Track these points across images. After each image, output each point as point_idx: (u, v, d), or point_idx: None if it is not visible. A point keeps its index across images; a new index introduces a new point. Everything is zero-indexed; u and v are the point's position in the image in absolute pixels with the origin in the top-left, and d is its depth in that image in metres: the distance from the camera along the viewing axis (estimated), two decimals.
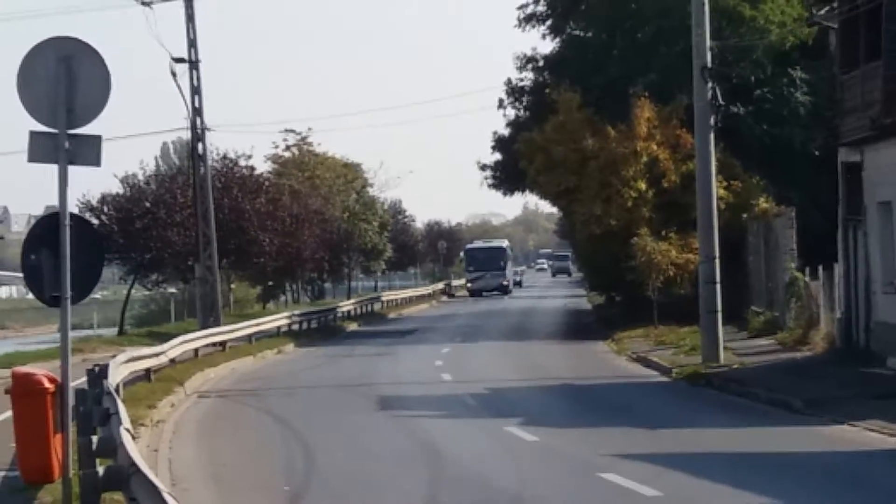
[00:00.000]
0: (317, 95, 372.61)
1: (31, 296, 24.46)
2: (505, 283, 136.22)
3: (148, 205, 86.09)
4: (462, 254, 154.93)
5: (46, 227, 19.24)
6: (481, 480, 24.75)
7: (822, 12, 52.78)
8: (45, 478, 21.98)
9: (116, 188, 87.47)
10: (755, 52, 62.53)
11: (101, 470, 17.66)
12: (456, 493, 23.40)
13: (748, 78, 62.54)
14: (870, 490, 22.50)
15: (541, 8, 74.86)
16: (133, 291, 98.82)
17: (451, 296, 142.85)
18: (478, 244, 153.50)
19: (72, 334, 19.73)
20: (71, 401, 20.15)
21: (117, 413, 21.06)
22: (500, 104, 79.74)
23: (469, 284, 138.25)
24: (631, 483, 23.10)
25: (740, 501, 21.63)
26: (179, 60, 65.68)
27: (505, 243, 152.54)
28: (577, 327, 76.85)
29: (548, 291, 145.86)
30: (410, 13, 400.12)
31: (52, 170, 18.13)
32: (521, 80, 78.94)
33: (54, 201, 18.52)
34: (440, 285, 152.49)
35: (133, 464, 16.39)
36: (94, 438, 20.17)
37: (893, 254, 42.26)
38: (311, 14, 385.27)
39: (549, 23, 75.09)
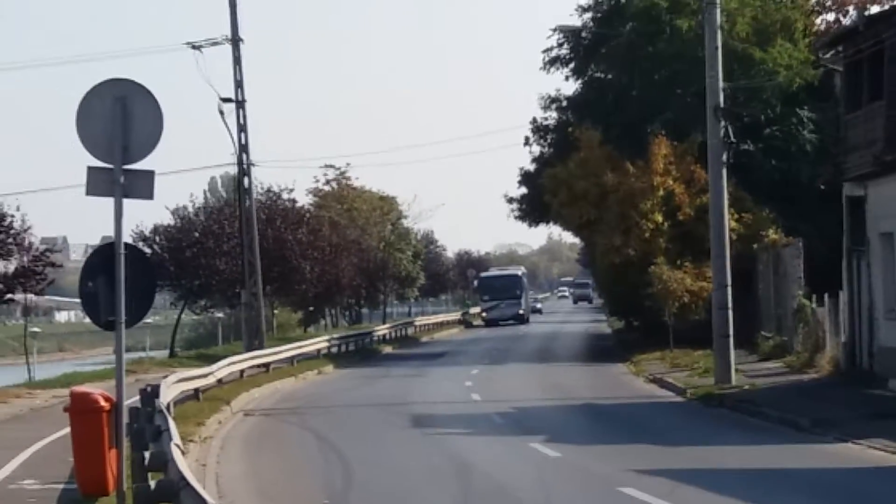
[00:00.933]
0: (355, 133, 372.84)
1: (87, 320, 24.47)
2: (521, 312, 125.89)
3: (197, 235, 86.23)
4: (476, 282, 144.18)
5: (103, 256, 19.26)
6: (508, 494, 24.73)
7: (828, 56, 52.80)
8: (101, 490, 22.00)
9: (168, 219, 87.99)
10: (765, 93, 62.52)
11: (152, 484, 17.67)
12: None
13: (758, 117, 62.48)
14: (872, 501, 22.49)
15: (564, 52, 75.04)
16: (183, 316, 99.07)
17: (469, 325, 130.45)
18: (492, 272, 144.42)
19: (126, 356, 19.79)
20: (125, 418, 20.17)
21: (168, 430, 21.06)
22: (527, 141, 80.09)
23: (484, 314, 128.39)
24: (648, 497, 23.08)
25: None
26: (227, 100, 65.72)
27: (520, 271, 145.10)
28: (598, 350, 76.69)
29: (570, 317, 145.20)
30: (442, 56, 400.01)
31: (108, 202, 18.16)
32: (546, 119, 79.23)
33: (110, 232, 18.53)
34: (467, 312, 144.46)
35: (183, 478, 16.40)
36: (147, 454, 20.21)
37: (895, 282, 42.27)
38: (349, 57, 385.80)
39: (571, 66, 75.26)
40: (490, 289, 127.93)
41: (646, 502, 22.68)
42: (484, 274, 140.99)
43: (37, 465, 29.19)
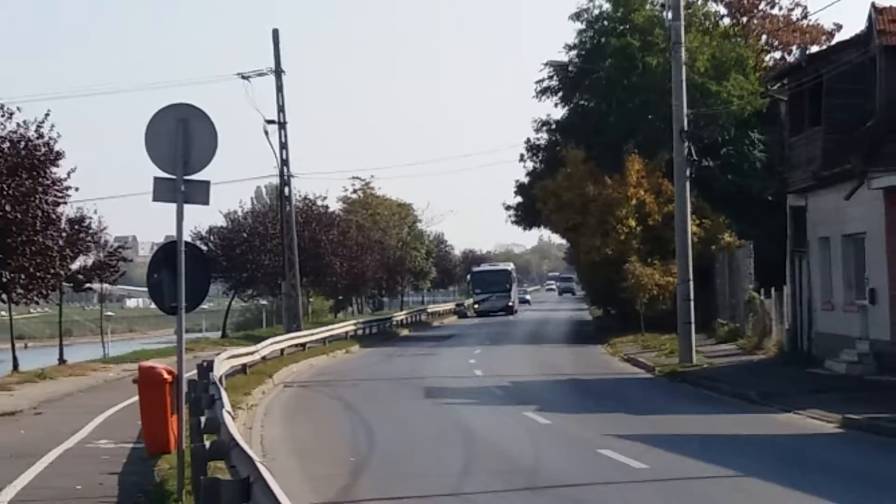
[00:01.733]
0: (378, 150, 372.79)
1: (153, 306, 24.28)
2: (510, 304, 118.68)
3: (245, 235, 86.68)
4: (468, 276, 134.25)
5: (166, 252, 19.25)
6: (505, 454, 24.65)
7: (775, 87, 52.84)
8: (164, 449, 21.95)
9: (221, 222, 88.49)
10: (721, 119, 62.44)
11: (207, 444, 17.63)
12: (485, 464, 23.29)
13: (716, 139, 62.41)
14: (809, 465, 22.45)
15: (553, 83, 75.01)
16: (233, 303, 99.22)
17: (464, 315, 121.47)
18: (484, 267, 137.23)
19: (185, 336, 19.72)
20: (184, 389, 20.13)
21: (220, 399, 21.01)
22: (522, 158, 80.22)
23: (476, 306, 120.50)
24: (624, 458, 23.03)
25: (709, 473, 21.54)
26: (271, 122, 65.85)
27: (510, 266, 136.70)
28: (581, 334, 76.50)
29: (557, 307, 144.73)
30: (451, 88, 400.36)
31: (171, 207, 18.13)
32: (538, 139, 79.12)
33: (172, 232, 18.51)
34: (464, 303, 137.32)
35: (233, 439, 16.33)
36: (202, 419, 20.19)
37: (830, 278, 42.39)
38: (375, 87, 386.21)
39: (559, 95, 75.22)
40: (482, 282, 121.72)
41: (622, 462, 22.61)
42: (476, 269, 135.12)
43: (110, 427, 29.18)
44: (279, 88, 66.01)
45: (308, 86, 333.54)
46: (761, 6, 75.01)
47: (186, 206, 18.13)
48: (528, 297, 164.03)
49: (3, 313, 68.40)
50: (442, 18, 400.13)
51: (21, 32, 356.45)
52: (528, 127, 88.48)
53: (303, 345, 58.15)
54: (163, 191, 18.11)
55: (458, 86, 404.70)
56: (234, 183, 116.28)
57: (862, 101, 40.48)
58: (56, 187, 46.53)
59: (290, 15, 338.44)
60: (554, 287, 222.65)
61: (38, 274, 46.29)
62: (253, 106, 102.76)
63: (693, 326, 46.26)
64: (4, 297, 49.18)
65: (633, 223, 65.06)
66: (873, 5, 39.80)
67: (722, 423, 29.43)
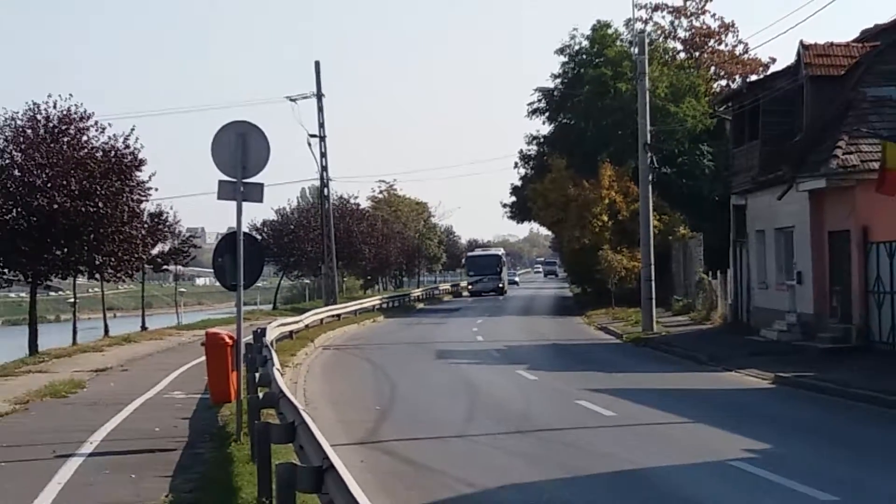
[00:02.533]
0: (400, 157, 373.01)
1: (218, 284, 24.41)
2: (500, 285, 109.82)
3: (292, 227, 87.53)
4: (464, 260, 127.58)
5: (228, 240, 19.31)
6: (501, 403, 24.74)
7: (721, 109, 52.79)
8: (225, 399, 22.05)
9: (273, 216, 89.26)
10: (677, 135, 62.28)
11: (261, 395, 17.66)
12: (485, 411, 23.39)
13: (673, 150, 62.20)
14: (747, 413, 22.49)
15: (542, 105, 75.05)
16: (282, 281, 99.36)
17: (459, 295, 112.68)
18: (478, 252, 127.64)
19: (243, 308, 19.77)
20: (242, 350, 20.21)
21: (271, 359, 21.02)
22: (515, 165, 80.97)
23: (470, 286, 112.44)
24: (596, 407, 23.11)
25: (665, 419, 21.53)
26: (313, 136, 65.88)
27: (500, 251, 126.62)
28: (562, 308, 76.44)
29: (543, 286, 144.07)
30: (460, 107, 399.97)
31: (232, 204, 18.18)
32: (529, 150, 79.36)
33: (233, 223, 18.53)
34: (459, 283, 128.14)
35: (281, 391, 16.37)
36: (257, 375, 20.22)
37: (765, 263, 42.48)
38: (400, 106, 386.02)
39: (546, 115, 75.24)
40: (475, 266, 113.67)
41: (595, 411, 22.68)
42: (470, 253, 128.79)
43: (182, 382, 29.26)
44: (320, 109, 66.08)
45: (344, 105, 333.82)
46: (710, 43, 74.83)
47: (244, 204, 18.21)
48: (516, 278, 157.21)
49: (97, 289, 68.47)
50: (454, 51, 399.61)
51: (112, 61, 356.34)
52: (522, 140, 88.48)
53: (338, 315, 58.12)
54: (225, 191, 18.18)
55: (466, 106, 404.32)
56: (284, 185, 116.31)
57: (791, 120, 40.54)
58: (139, 188, 46.56)
59: (330, 47, 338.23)
60: (540, 269, 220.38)
61: (124, 258, 46.39)
62: (298, 123, 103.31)
63: (654, 302, 46.29)
64: (98, 276, 49.39)
65: (605, 218, 65.19)
66: (801, 42, 39.82)
67: (676, 379, 29.40)
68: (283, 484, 10.51)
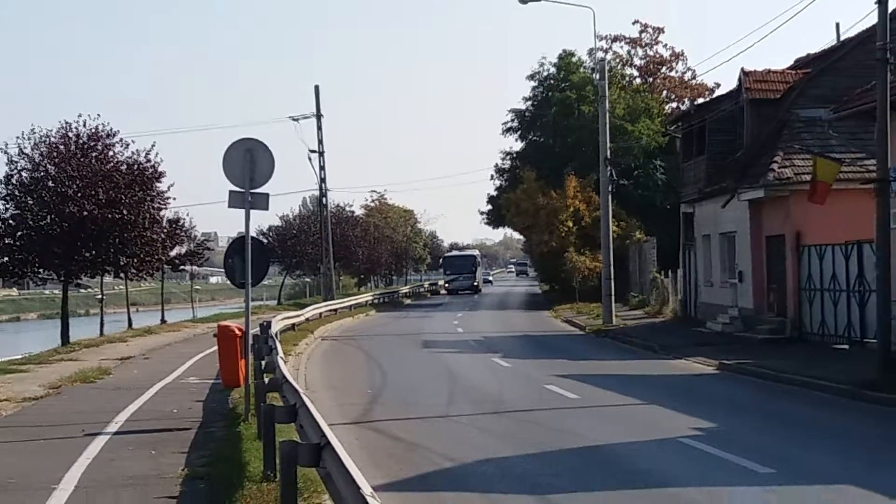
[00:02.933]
0: (390, 170, 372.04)
1: (228, 282, 24.34)
2: (475, 283, 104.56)
3: (294, 232, 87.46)
4: (441, 260, 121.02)
5: (238, 243, 19.25)
6: (478, 387, 24.69)
7: (672, 128, 52.91)
8: (235, 384, 21.94)
9: (277, 222, 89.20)
10: (634, 150, 62.49)
11: (266, 380, 17.64)
12: (464, 394, 23.35)
13: (630, 164, 62.38)
14: (695, 395, 22.53)
15: (515, 125, 75.07)
16: (285, 279, 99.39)
17: (437, 293, 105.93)
18: (454, 253, 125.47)
19: (251, 304, 19.76)
20: (250, 341, 20.17)
21: (275, 348, 21.02)
22: (491, 177, 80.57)
23: (447, 285, 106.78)
24: (562, 391, 23.10)
25: (623, 401, 21.59)
26: (313, 151, 65.67)
27: (476, 252, 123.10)
28: (532, 303, 76.41)
29: (515, 284, 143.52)
30: (444, 126, 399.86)
31: (241, 212, 18.16)
32: (503, 164, 79.15)
33: (242, 228, 18.54)
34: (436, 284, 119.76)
35: (284, 377, 16.35)
36: (262, 362, 20.20)
37: (710, 264, 42.59)
38: (387, 122, 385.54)
39: (519, 133, 75.30)
40: (451, 266, 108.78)
41: (561, 394, 22.68)
42: (447, 254, 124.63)
43: (197, 368, 29.20)
44: (319, 127, 65.97)
45: (341, 120, 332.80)
46: (662, 70, 75.13)
47: (252, 211, 18.17)
48: (490, 277, 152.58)
49: (122, 287, 68.36)
50: (440, 76, 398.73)
51: (139, 85, 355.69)
52: (497, 155, 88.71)
53: (335, 310, 57.99)
54: (235, 200, 18.15)
55: (449, 124, 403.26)
56: (287, 194, 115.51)
57: (733, 138, 40.68)
58: (159, 197, 46.54)
59: (330, 70, 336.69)
60: (513, 269, 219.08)
61: (146, 259, 46.45)
62: (300, 140, 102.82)
63: (613, 298, 46.18)
64: (122, 275, 49.37)
65: (570, 224, 65.21)
66: (742, 69, 39.94)
67: (633, 366, 29.39)
68: (285, 459, 10.52)
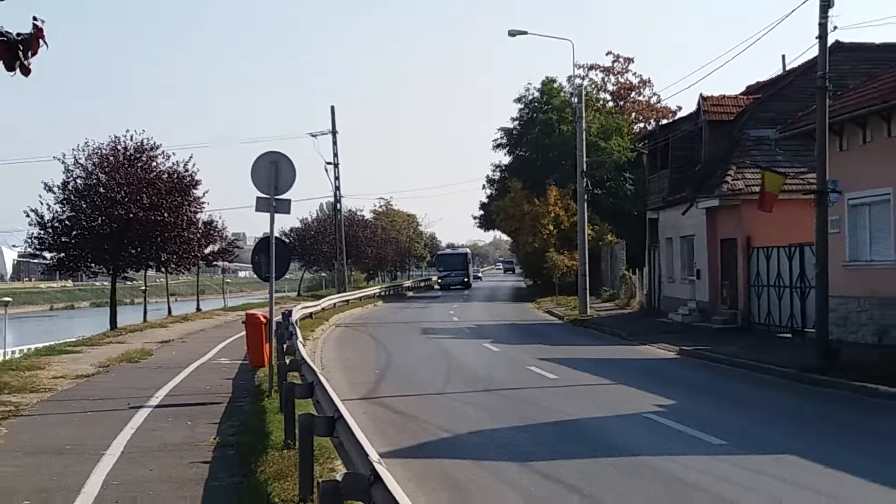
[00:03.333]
0: (396, 179, 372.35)
1: (255, 276, 24.35)
2: (466, 279, 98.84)
3: (312, 233, 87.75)
4: (435, 258, 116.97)
5: (263, 242, 19.29)
6: (470, 369, 24.65)
7: (640, 145, 53.07)
8: (260, 364, 21.99)
9: (298, 224, 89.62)
10: (607, 164, 62.43)
11: (287, 361, 17.63)
12: (458, 374, 23.32)
13: (603, 176, 62.38)
14: (658, 376, 22.50)
15: (504, 141, 75.38)
16: (304, 274, 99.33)
17: (431, 288, 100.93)
18: (447, 251, 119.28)
19: (274, 295, 19.77)
20: (274, 327, 20.17)
21: (295, 333, 20.99)
22: (483, 187, 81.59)
23: (440, 280, 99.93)
24: (543, 371, 23.14)
25: (595, 381, 21.60)
26: (329, 163, 65.78)
27: (467, 251, 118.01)
28: (518, 296, 76.34)
29: (503, 280, 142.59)
30: (445, 140, 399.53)
31: (266, 215, 18.16)
32: (494, 175, 79.61)
33: (267, 229, 18.52)
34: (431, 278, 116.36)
35: (303, 359, 16.34)
36: (284, 346, 20.16)
37: (672, 263, 42.57)
38: (394, 137, 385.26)
39: (507, 149, 75.63)
40: (444, 263, 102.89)
41: (542, 374, 22.72)
42: (440, 252, 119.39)
43: (227, 351, 29.20)
44: (334, 143, 65.89)
45: (353, 137, 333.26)
46: (632, 95, 75.09)
47: (276, 215, 18.19)
48: (479, 274, 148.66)
49: (162, 279, 68.38)
50: (441, 96, 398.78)
51: (177, 105, 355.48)
52: (489, 168, 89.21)
53: (347, 301, 57.96)
54: (261, 205, 18.15)
55: (448, 139, 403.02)
56: (306, 200, 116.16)
57: (693, 154, 40.73)
58: (196, 202, 46.53)
59: (344, 90, 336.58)
60: (501, 267, 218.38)
61: (184, 255, 46.52)
62: (318, 153, 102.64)
63: (587, 292, 46.28)
64: (163, 269, 49.38)
65: (551, 228, 65.25)
66: (701, 95, 40.00)
67: (604, 351, 29.40)
68: (304, 429, 10.52)
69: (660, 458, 13.08)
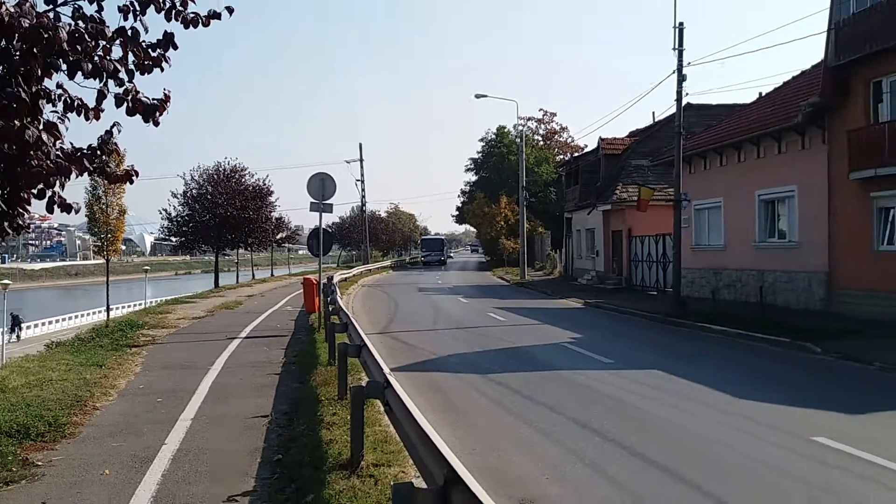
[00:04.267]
0: (402, 188, 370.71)
1: (309, 253, 24.33)
2: (443, 258, 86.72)
3: (347, 226, 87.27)
4: (420, 241, 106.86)
5: (314, 232, 19.13)
6: (450, 314, 24.48)
7: (560, 168, 52.74)
8: (313, 310, 21.89)
9: (337, 220, 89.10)
10: (539, 182, 62.23)
11: (330, 308, 17.58)
12: (442, 317, 23.18)
13: (537, 190, 62.14)
14: (570, 319, 22.42)
15: (472, 166, 74.94)
16: (342, 252, 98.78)
17: (415, 265, 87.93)
18: (429, 236, 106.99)
19: (322, 266, 19.71)
20: (321, 286, 20.10)
21: (336, 290, 20.93)
22: (459, 196, 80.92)
23: (423, 258, 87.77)
24: (496, 316, 23.08)
25: (530, 322, 21.50)
26: (358, 180, 65.28)
27: (443, 237, 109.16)
28: (481, 267, 75.68)
29: (469, 258, 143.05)
30: (433, 165, 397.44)
31: (317, 214, 18.06)
32: (465, 188, 78.83)
33: (317, 223, 18.42)
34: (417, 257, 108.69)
35: (341, 307, 16.29)
36: (328, 299, 20.10)
37: (581, 245, 42.35)
38: (405, 161, 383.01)
39: (474, 171, 74.90)
40: (427, 245, 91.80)
41: (496, 317, 22.64)
42: (424, 237, 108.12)
43: (291, 301, 29.12)
44: (361, 167, 65.35)
45: (374, 152, 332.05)
46: (555, 137, 74.92)
47: (323, 214, 18.09)
48: (451, 254, 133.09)
49: (247, 255, 68.27)
50: (431, 133, 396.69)
51: (252, 140, 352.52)
52: (462, 183, 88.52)
53: (370, 270, 57.84)
54: (313, 207, 18.01)
55: (436, 163, 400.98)
56: (342, 204, 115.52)
57: (594, 175, 40.62)
58: (270, 205, 46.48)
59: (368, 124, 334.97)
60: (468, 249, 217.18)
61: (262, 239, 46.68)
62: (350, 173, 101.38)
63: (525, 265, 46.20)
64: (249, 248, 49.31)
65: (502, 223, 65.03)
66: (600, 137, 40.03)
67: (536, 303, 29.25)
68: (341, 353, 10.52)
69: (571, 371, 13.15)
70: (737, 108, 29.80)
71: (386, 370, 8.28)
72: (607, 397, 10.96)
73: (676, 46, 22.13)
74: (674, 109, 23.02)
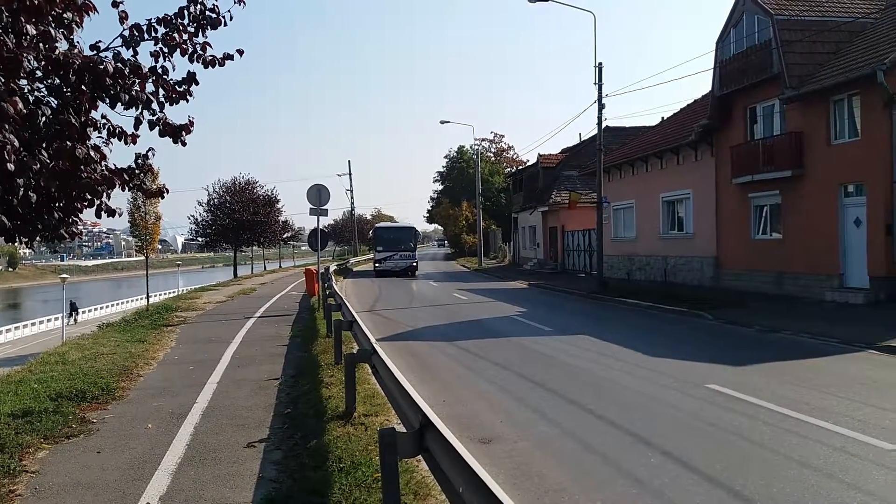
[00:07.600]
0: (383, 196, 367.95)
1: (310, 249, 24.03)
2: (413, 263, 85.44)
3: (339, 227, 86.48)
4: (371, 232, 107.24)
5: (313, 232, 18.86)
6: (423, 295, 24.33)
7: (509, 179, 52.71)
8: (313, 294, 21.61)
9: (332, 222, 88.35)
10: (493, 189, 62.29)
11: (327, 292, 17.42)
12: (417, 298, 22.99)
13: (490, 196, 62.30)
14: (518, 297, 22.46)
15: (438, 178, 74.57)
16: (336, 248, 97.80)
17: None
18: (388, 224, 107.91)
19: (320, 259, 19.49)
20: (319, 274, 19.90)
21: (331, 278, 20.77)
22: (429, 200, 79.31)
23: (376, 265, 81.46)
24: (460, 296, 23.00)
25: (486, 300, 21.45)
26: (348, 190, 65.23)
27: (417, 228, 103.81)
28: (447, 258, 74.98)
29: (437, 251, 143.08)
30: (411, 174, 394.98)
31: (314, 218, 17.87)
32: (434, 195, 78.15)
33: (313, 224, 18.23)
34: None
35: (335, 291, 16.12)
36: (326, 284, 19.92)
37: (526, 239, 42.43)
38: (394, 172, 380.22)
39: (440, 181, 74.42)
40: (384, 240, 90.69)
41: (460, 297, 22.51)
42: (378, 225, 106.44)
43: (295, 287, 28.77)
44: (350, 179, 66.84)
45: (360, 162, 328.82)
46: (504, 153, 74.99)
47: (321, 218, 17.90)
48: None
49: (259, 251, 67.36)
50: (407, 149, 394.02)
51: (263, 157, 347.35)
52: (431, 191, 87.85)
53: (360, 261, 57.34)
54: (312, 211, 17.79)
55: (412, 174, 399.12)
56: (335, 209, 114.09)
57: (535, 183, 40.67)
58: (277, 211, 46.02)
59: (353, 140, 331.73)
60: (435, 244, 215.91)
61: (272, 238, 46.30)
62: (342, 185, 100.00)
63: (481, 255, 46.18)
64: (261, 246, 48.77)
65: (463, 222, 64.63)
66: (539, 153, 40.13)
67: (491, 285, 29.10)
68: (336, 328, 10.41)
69: (519, 337, 13.21)
70: (643, 129, 30.24)
71: (372, 340, 8.26)
72: (546, 357, 11.00)
73: (596, 82, 22.30)
74: (596, 131, 23.24)
